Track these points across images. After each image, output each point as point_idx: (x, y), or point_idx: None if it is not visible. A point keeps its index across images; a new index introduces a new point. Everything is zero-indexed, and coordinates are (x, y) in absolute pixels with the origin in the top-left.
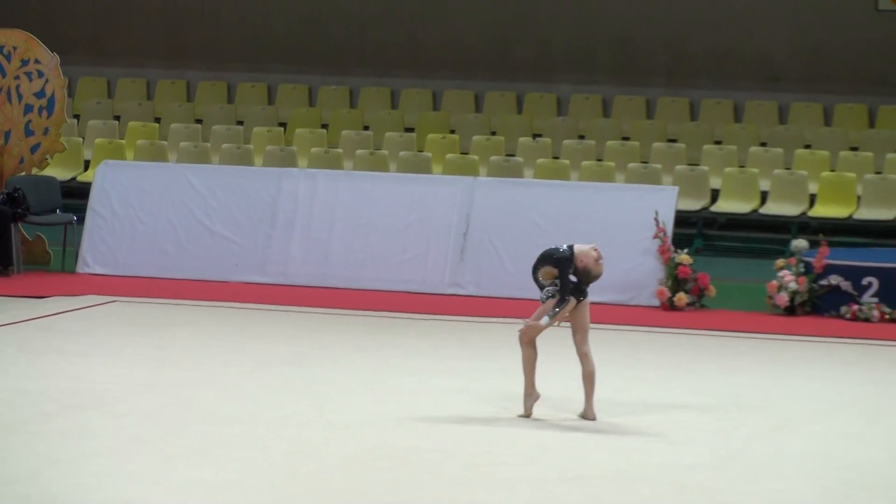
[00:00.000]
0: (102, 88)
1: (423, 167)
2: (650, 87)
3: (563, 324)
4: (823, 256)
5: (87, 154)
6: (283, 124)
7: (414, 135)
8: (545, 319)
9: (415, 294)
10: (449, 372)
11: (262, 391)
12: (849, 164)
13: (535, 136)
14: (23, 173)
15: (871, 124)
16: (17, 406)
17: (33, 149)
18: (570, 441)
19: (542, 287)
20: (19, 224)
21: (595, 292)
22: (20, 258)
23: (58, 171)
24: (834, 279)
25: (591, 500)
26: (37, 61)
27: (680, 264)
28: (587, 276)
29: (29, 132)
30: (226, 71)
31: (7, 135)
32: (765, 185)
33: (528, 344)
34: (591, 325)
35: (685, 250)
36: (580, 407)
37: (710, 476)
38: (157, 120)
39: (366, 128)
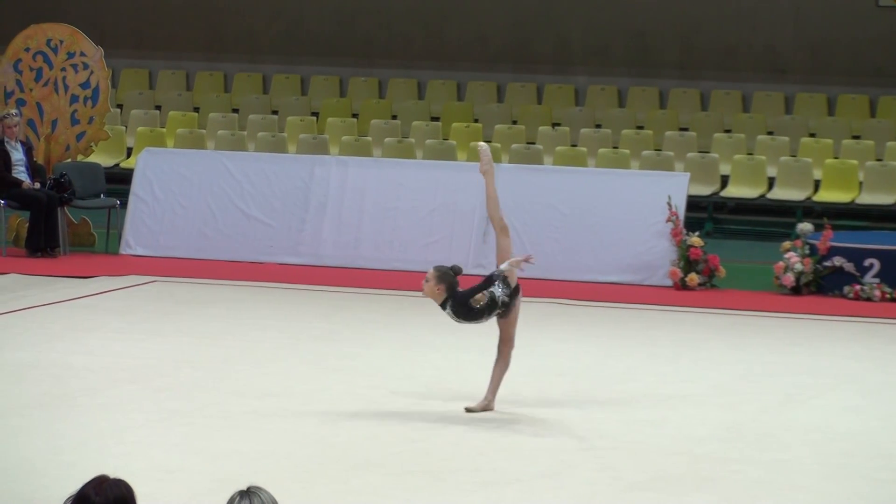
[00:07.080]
0: (144, 80)
1: (448, 154)
2: (663, 79)
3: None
4: (827, 239)
5: (130, 142)
6: (315, 114)
7: (439, 123)
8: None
9: None
10: (474, 348)
11: (294, 366)
12: (851, 151)
13: (554, 125)
14: (69, 160)
15: (872, 114)
16: (63, 380)
17: (79, 137)
18: (587, 414)
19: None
20: (66, 208)
21: (611, 273)
22: (67, 240)
23: (102, 158)
24: (837, 261)
25: (607, 469)
26: (82, 54)
27: (691, 246)
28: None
29: (75, 121)
30: (261, 63)
31: (54, 123)
32: (772, 171)
33: None
34: (608, 304)
35: (696, 233)
36: (601, 382)
37: (720, 446)
38: (196, 109)
39: (394, 117)
